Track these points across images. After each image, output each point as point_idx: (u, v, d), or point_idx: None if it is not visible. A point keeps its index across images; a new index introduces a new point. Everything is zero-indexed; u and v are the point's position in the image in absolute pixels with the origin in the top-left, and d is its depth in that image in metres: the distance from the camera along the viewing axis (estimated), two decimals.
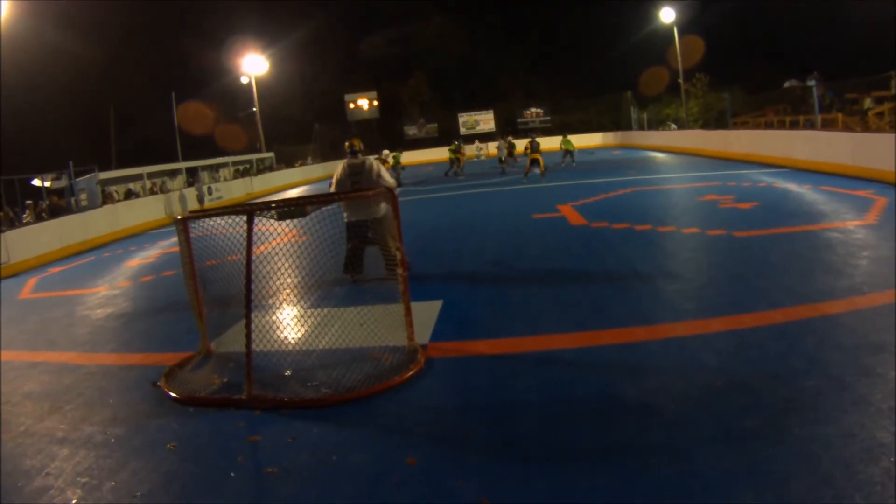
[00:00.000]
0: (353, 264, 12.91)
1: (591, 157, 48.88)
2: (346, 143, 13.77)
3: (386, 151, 37.87)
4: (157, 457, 6.69)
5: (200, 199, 39.83)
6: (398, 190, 19.41)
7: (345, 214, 12.72)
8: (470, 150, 51.93)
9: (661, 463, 5.65)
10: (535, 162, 34.57)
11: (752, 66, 64.78)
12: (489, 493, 5.40)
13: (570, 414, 6.84)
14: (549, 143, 50.15)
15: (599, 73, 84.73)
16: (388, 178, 13.34)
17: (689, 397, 6.94)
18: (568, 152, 43.23)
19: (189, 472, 6.34)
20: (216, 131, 74.61)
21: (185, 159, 56.42)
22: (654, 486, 5.32)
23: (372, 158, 13.68)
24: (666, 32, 59.80)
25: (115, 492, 6.03)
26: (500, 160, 44.16)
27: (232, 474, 6.16)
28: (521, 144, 45.68)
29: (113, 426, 7.65)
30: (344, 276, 12.67)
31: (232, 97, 75.46)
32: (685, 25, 60.26)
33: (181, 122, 64.14)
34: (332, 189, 13.41)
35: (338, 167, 13.65)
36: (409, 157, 62.61)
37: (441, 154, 64.90)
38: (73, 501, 5.96)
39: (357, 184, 13.03)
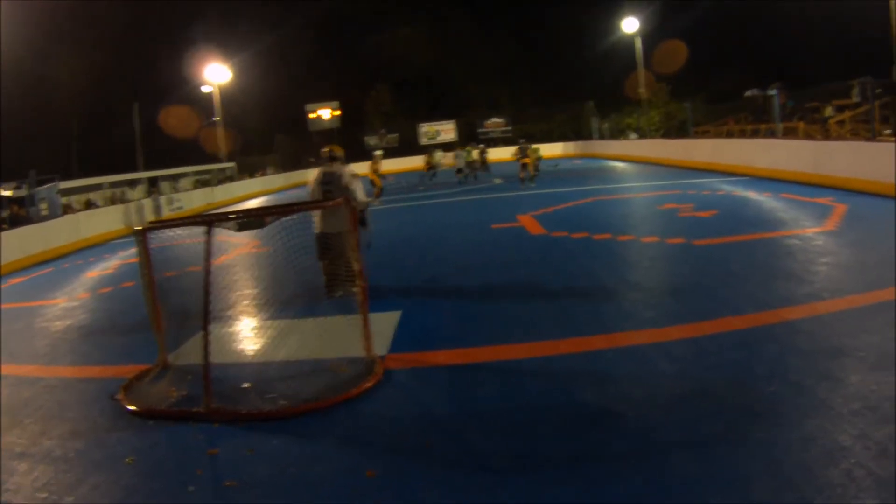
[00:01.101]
0: (333, 283, 12.19)
1: (554, 168, 48.71)
2: (325, 149, 13.33)
3: (378, 152, 37.39)
4: (117, 471, 6.65)
5: (158, 210, 38.92)
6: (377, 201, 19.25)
7: (315, 225, 12.36)
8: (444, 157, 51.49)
9: (627, 470, 5.70)
10: (525, 166, 35.36)
11: (713, 76, 65.26)
12: None
13: (533, 423, 6.87)
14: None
15: (562, 83, 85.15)
16: (357, 187, 12.83)
17: (651, 405, 7.01)
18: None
19: (148, 486, 6.31)
20: (198, 136, 74.53)
21: (146, 169, 56.29)
22: (621, 494, 5.37)
23: (346, 167, 13.18)
24: (629, 43, 60.15)
25: None
26: (458, 170, 43.98)
27: (191, 488, 6.14)
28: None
29: (72, 440, 7.59)
30: (326, 296, 12.26)
31: (195, 107, 75.27)
32: (650, 32, 60.69)
33: (146, 130, 64.26)
34: (309, 198, 12.97)
35: (311, 175, 13.27)
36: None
37: (405, 164, 65.19)
38: None
39: (329, 192, 12.56)
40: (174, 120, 75.60)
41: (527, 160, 35.13)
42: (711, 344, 8.64)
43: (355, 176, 12.98)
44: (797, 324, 9.11)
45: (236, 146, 76.12)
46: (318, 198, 12.59)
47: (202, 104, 73.14)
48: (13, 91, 63.63)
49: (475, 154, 45.30)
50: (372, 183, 32.92)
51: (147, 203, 39.25)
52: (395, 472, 6.07)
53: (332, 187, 12.63)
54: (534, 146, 39.89)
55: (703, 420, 6.49)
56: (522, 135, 70.56)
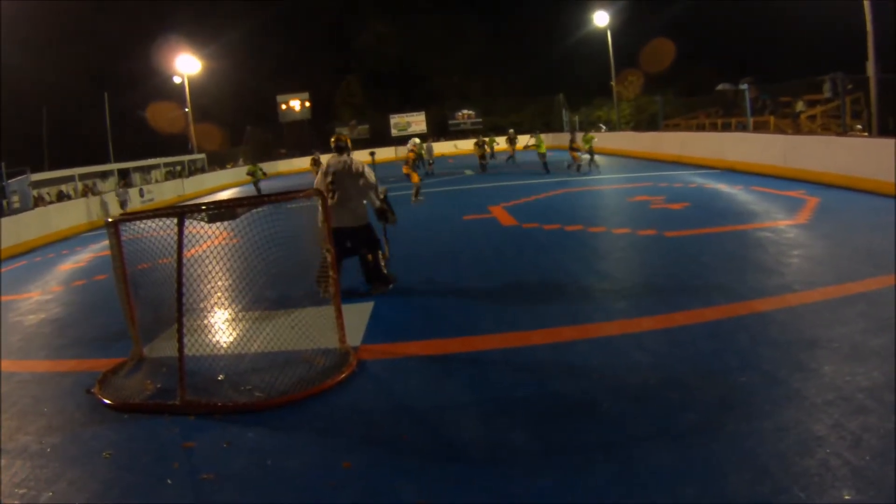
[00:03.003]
0: (326, 278, 11.72)
1: (522, 159, 48.71)
2: (332, 138, 12.82)
3: (416, 140, 35.68)
4: (94, 465, 6.65)
5: (123, 204, 37.94)
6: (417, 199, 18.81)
7: (319, 220, 10.99)
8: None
9: (600, 461, 5.74)
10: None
11: (685, 70, 65.34)
12: (428, 496, 5.45)
13: (506, 414, 6.92)
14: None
15: (533, 76, 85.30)
16: (372, 178, 12.32)
17: (624, 395, 7.07)
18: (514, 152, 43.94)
19: (126, 480, 6.31)
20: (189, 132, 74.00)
21: (118, 160, 55.92)
22: (594, 485, 5.41)
23: (356, 158, 12.52)
24: (600, 37, 60.15)
25: (53, 502, 6.00)
26: (429, 163, 43.78)
27: (168, 481, 6.14)
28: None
29: (48, 435, 7.57)
30: (316, 290, 11.68)
31: (165, 98, 74.81)
32: (620, 32, 60.71)
33: (118, 121, 63.98)
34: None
35: (322, 164, 12.81)
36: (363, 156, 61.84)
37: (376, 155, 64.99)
38: None
39: (334, 183, 12.00)
40: (149, 113, 75.21)
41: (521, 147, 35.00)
42: (684, 335, 8.72)
43: (367, 170, 12.35)
44: (770, 315, 9.20)
45: (225, 140, 76.08)
46: (321, 189, 12.06)
47: (174, 95, 72.81)
48: None
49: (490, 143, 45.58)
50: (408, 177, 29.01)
51: (111, 198, 38.40)
52: (371, 464, 6.10)
53: (338, 177, 12.04)
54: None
55: (676, 411, 6.54)
56: (491, 127, 70.91)
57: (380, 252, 12.56)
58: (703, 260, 12.77)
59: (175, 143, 71.11)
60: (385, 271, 12.60)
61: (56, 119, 68.64)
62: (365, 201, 12.28)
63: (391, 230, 13.25)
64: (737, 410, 6.38)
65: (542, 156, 37.53)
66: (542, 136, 39.00)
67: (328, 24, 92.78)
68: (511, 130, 47.86)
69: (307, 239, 11.04)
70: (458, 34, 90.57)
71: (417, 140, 32.65)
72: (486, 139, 47.51)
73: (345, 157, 12.33)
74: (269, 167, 69.24)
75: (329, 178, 12.02)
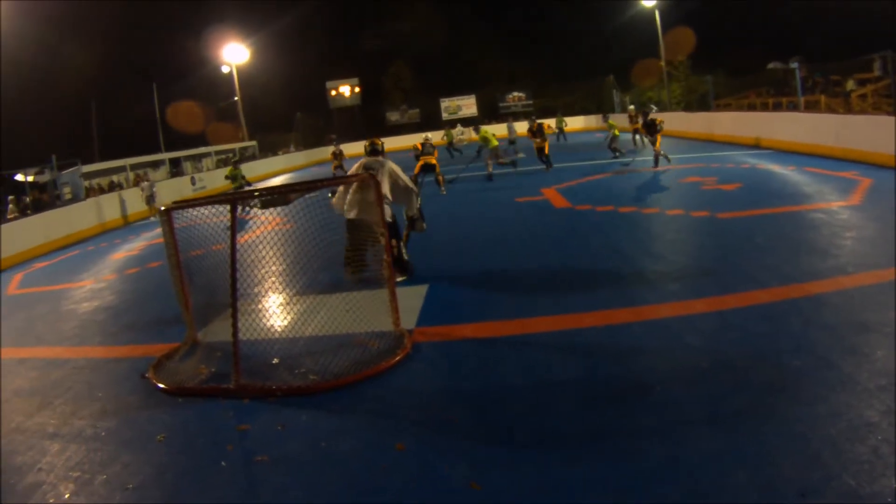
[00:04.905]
0: (354, 260, 11.52)
1: (573, 141, 48.30)
2: (367, 142, 13.08)
3: (511, 124, 34.78)
4: (148, 449, 6.73)
5: (150, 199, 34.06)
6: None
7: (345, 210, 11.83)
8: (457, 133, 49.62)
9: (650, 445, 5.70)
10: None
11: (734, 50, 64.65)
12: (478, 478, 5.45)
13: (557, 397, 6.90)
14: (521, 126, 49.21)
15: (582, 57, 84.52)
16: (409, 184, 12.43)
17: (675, 379, 7.00)
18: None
19: (180, 462, 6.38)
20: (207, 127, 74.05)
21: (168, 149, 56.27)
22: (644, 469, 5.37)
23: (391, 162, 12.43)
24: (649, 16, 59.71)
25: (107, 485, 6.08)
26: (510, 141, 43.00)
27: (222, 463, 6.21)
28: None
29: (103, 419, 7.67)
30: (345, 274, 11.65)
31: (214, 87, 75.14)
32: (667, 9, 60.21)
33: (164, 115, 64.36)
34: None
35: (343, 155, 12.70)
36: (392, 143, 61.53)
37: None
38: (66, 496, 5.97)
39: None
40: (192, 104, 75.30)
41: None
42: (736, 317, 8.63)
43: (403, 175, 12.42)
44: (822, 298, 9.08)
45: (253, 126, 75.98)
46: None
47: (222, 84, 73.14)
48: (30, 77, 63.56)
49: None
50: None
51: (132, 193, 36.03)
52: (424, 446, 6.13)
53: (374, 173, 12.07)
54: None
55: (727, 394, 6.50)
56: (544, 109, 70.50)
57: (400, 241, 12.51)
58: (755, 241, 12.59)
59: (220, 134, 71.45)
60: (405, 258, 12.53)
61: (104, 111, 69.21)
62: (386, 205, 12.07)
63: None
64: (788, 394, 6.32)
65: (615, 139, 32.68)
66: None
67: (373, 9, 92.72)
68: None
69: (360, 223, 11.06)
70: (505, 16, 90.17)
71: (513, 123, 31.84)
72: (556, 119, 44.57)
73: (380, 158, 12.49)
74: (319, 153, 69.14)
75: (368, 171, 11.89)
